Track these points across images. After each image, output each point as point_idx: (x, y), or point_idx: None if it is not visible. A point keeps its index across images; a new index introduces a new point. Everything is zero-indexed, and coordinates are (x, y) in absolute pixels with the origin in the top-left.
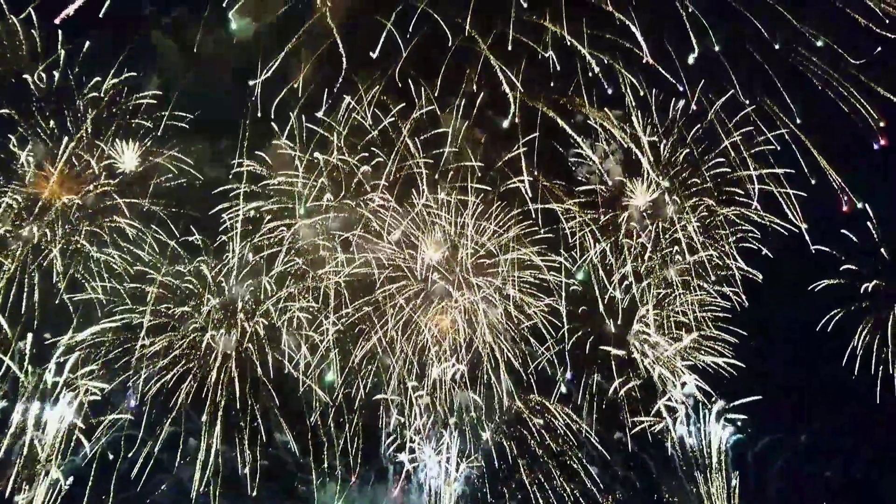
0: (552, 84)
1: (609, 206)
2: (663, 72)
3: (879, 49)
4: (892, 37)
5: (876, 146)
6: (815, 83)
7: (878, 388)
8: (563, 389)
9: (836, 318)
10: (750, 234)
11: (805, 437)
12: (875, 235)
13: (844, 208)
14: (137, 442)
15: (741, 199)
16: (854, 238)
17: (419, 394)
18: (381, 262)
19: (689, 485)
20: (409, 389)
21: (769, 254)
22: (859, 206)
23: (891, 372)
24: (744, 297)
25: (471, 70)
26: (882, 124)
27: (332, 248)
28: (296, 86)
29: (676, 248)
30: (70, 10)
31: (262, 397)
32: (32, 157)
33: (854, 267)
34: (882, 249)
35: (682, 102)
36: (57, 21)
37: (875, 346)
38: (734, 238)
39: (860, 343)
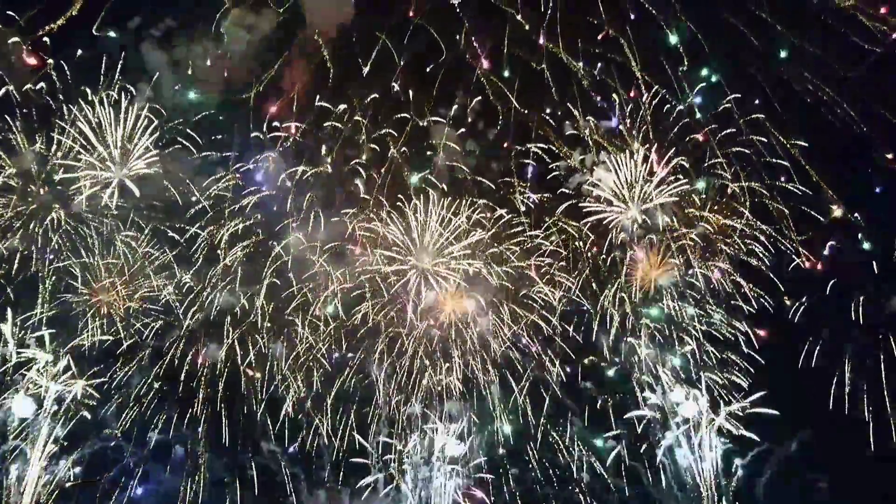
0: (545, 97)
1: (601, 217)
2: (657, 86)
3: (871, 60)
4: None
5: (878, 189)
6: (807, 96)
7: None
8: (556, 398)
9: (827, 327)
10: (748, 244)
11: (796, 446)
12: (867, 247)
13: (808, 264)
14: (128, 453)
15: (736, 210)
16: (844, 251)
17: (410, 404)
18: (372, 275)
19: (680, 494)
20: (399, 400)
21: (763, 267)
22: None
23: (882, 383)
24: (740, 312)
25: (464, 83)
26: (889, 156)
27: (321, 261)
28: (276, 110)
29: (671, 260)
30: (55, 25)
31: (251, 408)
32: (20, 168)
33: (843, 280)
34: (874, 262)
35: (675, 113)
36: (41, 33)
37: (866, 361)
38: (729, 250)
39: (848, 358)
